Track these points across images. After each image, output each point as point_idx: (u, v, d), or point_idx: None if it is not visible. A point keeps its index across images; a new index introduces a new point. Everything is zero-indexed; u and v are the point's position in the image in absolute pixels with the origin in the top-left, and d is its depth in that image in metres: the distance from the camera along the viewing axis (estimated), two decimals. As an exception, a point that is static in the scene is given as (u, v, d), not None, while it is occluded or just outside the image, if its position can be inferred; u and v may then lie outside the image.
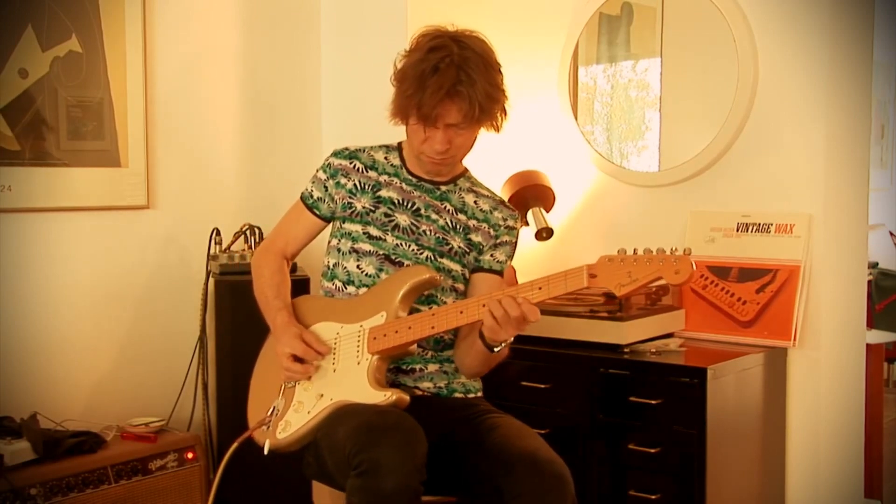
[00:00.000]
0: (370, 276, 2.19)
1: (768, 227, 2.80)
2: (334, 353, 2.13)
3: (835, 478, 2.80)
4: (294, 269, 3.01)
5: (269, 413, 2.14)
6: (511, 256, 2.30)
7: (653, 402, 2.50)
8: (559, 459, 1.95)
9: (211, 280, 3.16)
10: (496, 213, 2.27)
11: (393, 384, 2.15)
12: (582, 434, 2.63)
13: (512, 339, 2.04)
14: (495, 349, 2.06)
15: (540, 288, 1.93)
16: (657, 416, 2.50)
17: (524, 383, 2.71)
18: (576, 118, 3.21)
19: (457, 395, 2.22)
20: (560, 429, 2.63)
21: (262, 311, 2.24)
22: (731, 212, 2.88)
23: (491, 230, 2.25)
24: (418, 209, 2.22)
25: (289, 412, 2.12)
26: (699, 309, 2.89)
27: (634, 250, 1.87)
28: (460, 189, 2.27)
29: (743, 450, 2.64)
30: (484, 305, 1.96)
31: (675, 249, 1.84)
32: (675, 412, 2.48)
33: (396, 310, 2.09)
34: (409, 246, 2.19)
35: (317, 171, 2.28)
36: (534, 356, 2.71)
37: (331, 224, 2.30)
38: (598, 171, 3.18)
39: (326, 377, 2.12)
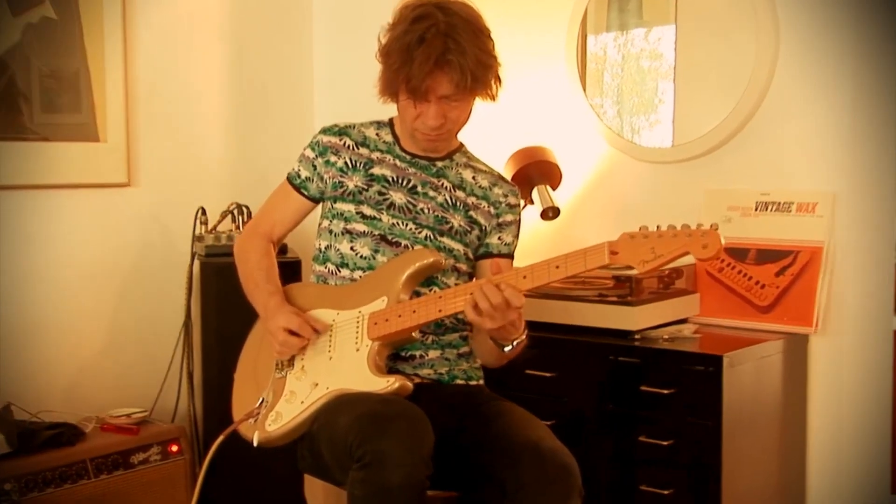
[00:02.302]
0: (365, 257, 2.19)
1: (789, 206, 2.79)
2: (330, 341, 2.13)
3: (859, 472, 2.78)
4: (284, 250, 3.04)
5: (257, 404, 2.14)
6: (517, 236, 2.31)
7: (665, 391, 2.50)
8: (565, 449, 1.96)
9: (196, 262, 3.16)
10: (496, 190, 2.27)
11: (391, 372, 2.14)
12: (590, 425, 2.63)
13: (523, 336, 2.06)
14: (506, 348, 2.07)
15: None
16: (670, 406, 2.50)
17: (529, 371, 2.71)
18: (584, 90, 3.19)
19: (458, 381, 2.23)
20: (566, 420, 2.64)
21: (250, 297, 2.24)
22: (749, 190, 2.87)
23: (491, 208, 2.26)
24: (414, 187, 2.22)
25: (279, 403, 2.12)
26: (715, 293, 2.88)
27: (657, 227, 1.88)
28: (457, 164, 2.27)
29: (761, 442, 2.64)
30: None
31: (701, 225, 1.86)
32: (688, 402, 2.48)
33: (398, 294, 2.09)
34: (407, 225, 2.19)
35: (304, 149, 2.28)
36: (539, 343, 2.62)
37: (320, 205, 2.30)
38: (607, 147, 3.17)
39: (321, 365, 2.11)
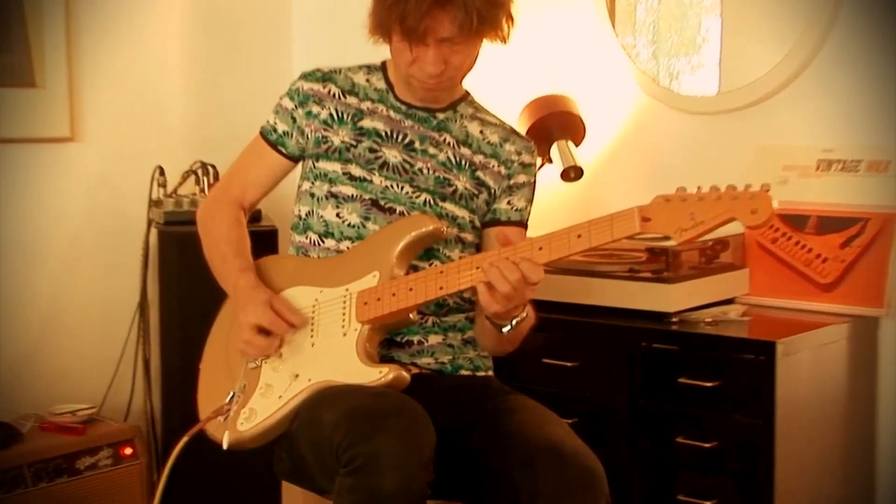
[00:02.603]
0: (353, 226, 2.20)
1: (857, 165, 2.79)
2: (312, 325, 2.15)
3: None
4: (257, 217, 3.08)
5: (227, 400, 2.16)
6: (531, 200, 2.32)
7: (708, 384, 2.51)
8: (589, 451, 1.98)
9: (153, 231, 3.19)
10: (507, 146, 2.29)
11: (383, 360, 2.15)
12: (619, 424, 2.65)
13: (525, 314, 2.06)
14: (504, 329, 2.07)
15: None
16: (713, 402, 2.52)
17: (547, 361, 2.73)
18: (613, 28, 3.20)
19: (463, 372, 2.25)
20: (591, 418, 2.65)
21: (217, 275, 2.26)
22: (808, 146, 2.86)
23: (502, 168, 2.28)
24: (411, 142, 2.23)
25: (253, 398, 2.14)
26: (767, 268, 2.89)
27: (698, 188, 1.89)
28: (462, 116, 2.28)
29: (821, 445, 2.65)
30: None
31: (750, 186, 1.86)
32: (735, 398, 2.49)
33: (392, 269, 2.11)
34: (402, 188, 2.21)
35: (281, 98, 2.29)
36: (558, 327, 2.71)
37: (300, 165, 2.31)
38: (640, 95, 3.18)
39: (302, 354, 2.13)
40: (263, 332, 2.12)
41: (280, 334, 2.13)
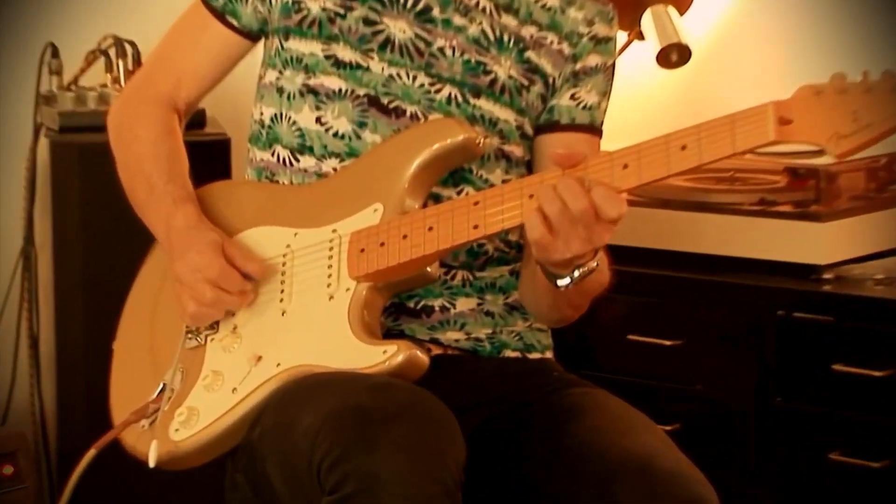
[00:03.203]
0: (342, 136, 2.22)
1: None
2: (282, 284, 2.17)
3: None
4: (200, 121, 3.09)
5: (154, 394, 2.19)
6: (608, 95, 2.32)
7: (876, 374, 2.53)
8: (695, 472, 1.98)
9: (43, 142, 3.21)
10: (572, 13, 2.28)
11: (389, 336, 2.15)
12: (742, 433, 2.68)
13: (595, 263, 2.04)
14: (561, 283, 2.05)
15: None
16: (885, 401, 2.54)
17: (634, 338, 2.77)
18: None
19: (508, 353, 2.26)
20: (701, 421, 2.68)
21: (140, 210, 2.29)
22: None
23: (564, 45, 2.27)
24: (427, 8, 2.23)
25: (194, 391, 2.15)
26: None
27: (864, 74, 1.84)
28: None
29: None
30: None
31: None
32: None
33: (402, 199, 2.12)
34: (415, 78, 2.21)
35: None
36: (651, 288, 2.77)
37: (261, 45, 2.34)
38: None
39: (268, 327, 2.16)
40: (217, 289, 2.14)
41: (234, 292, 2.14)
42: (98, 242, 2.99)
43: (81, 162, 3.05)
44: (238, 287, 2.14)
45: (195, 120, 2.87)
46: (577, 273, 2.01)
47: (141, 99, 2.35)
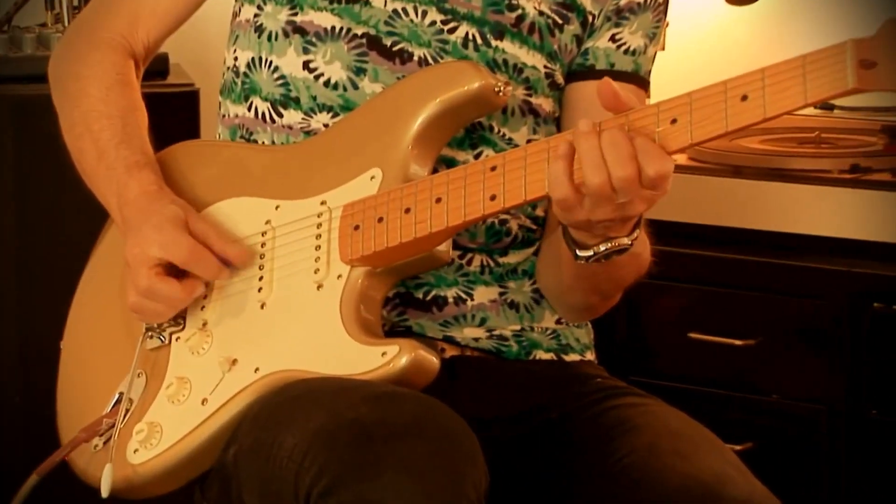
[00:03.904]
0: (336, 85, 2.17)
1: None
2: (261, 270, 2.12)
3: None
4: (161, 70, 3.12)
5: (108, 407, 2.14)
6: (656, 38, 2.26)
7: None
8: (771, 498, 1.95)
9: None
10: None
11: (393, 333, 2.11)
12: (830, 451, 2.73)
13: (632, 237, 1.98)
14: (580, 253, 1.99)
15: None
16: None
17: (695, 336, 2.79)
18: None
19: (540, 354, 2.20)
20: (776, 439, 2.74)
21: (87, 177, 2.25)
22: None
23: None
24: (437, -69, 2.16)
25: (156, 403, 2.11)
26: None
27: None
28: None
29: None
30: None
31: None
32: None
33: (405, 163, 2.07)
34: (424, 14, 2.16)
35: None
36: (717, 275, 2.80)
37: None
38: None
39: (244, 323, 2.11)
40: (173, 274, 2.10)
41: (208, 278, 2.11)
42: (37, 217, 3.01)
43: (16, 119, 3.09)
44: (213, 273, 2.11)
45: (156, 68, 2.91)
46: (602, 247, 1.97)
47: (88, 42, 2.31)
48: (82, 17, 2.40)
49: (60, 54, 2.35)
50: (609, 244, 1.96)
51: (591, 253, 1.97)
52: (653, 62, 2.28)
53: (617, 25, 2.23)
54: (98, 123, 2.22)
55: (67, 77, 2.31)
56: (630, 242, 1.96)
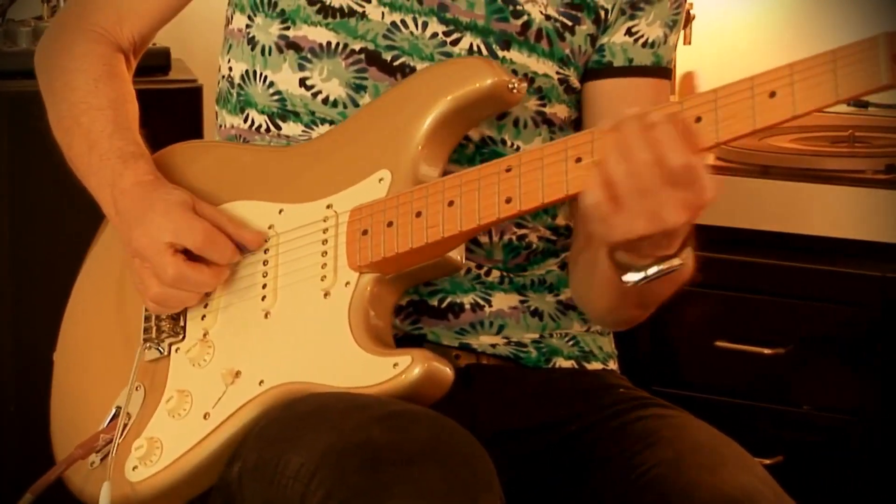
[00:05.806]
0: (335, 103, 2.16)
1: None
2: (265, 275, 2.10)
3: None
4: (163, 66, 3.09)
5: (107, 421, 2.12)
6: (676, 26, 2.25)
7: None
8: None
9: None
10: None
11: (404, 343, 2.06)
12: (865, 466, 2.73)
13: (680, 258, 1.95)
14: (626, 278, 1.96)
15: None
16: None
17: (722, 344, 2.78)
18: None
19: (560, 362, 2.19)
20: (809, 450, 2.74)
21: (79, 172, 2.22)
22: None
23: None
24: (437, -66, 2.16)
25: (156, 418, 2.09)
26: None
27: None
28: None
29: None
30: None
31: None
32: None
33: (415, 165, 2.04)
34: (425, 26, 2.15)
35: None
36: (746, 280, 2.81)
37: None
38: None
39: (247, 333, 2.09)
40: (195, 261, 2.09)
41: (223, 263, 2.09)
42: (32, 215, 3.02)
43: (12, 115, 3.08)
44: (229, 256, 2.10)
45: (157, 63, 2.95)
46: (653, 270, 1.94)
47: (74, 35, 2.31)
48: (67, 9, 2.41)
49: (46, 46, 2.35)
50: (661, 266, 1.94)
51: (640, 276, 1.95)
52: (675, 50, 2.28)
53: (632, 18, 2.22)
54: (87, 116, 2.21)
55: (54, 70, 2.30)
56: (680, 262, 1.95)
